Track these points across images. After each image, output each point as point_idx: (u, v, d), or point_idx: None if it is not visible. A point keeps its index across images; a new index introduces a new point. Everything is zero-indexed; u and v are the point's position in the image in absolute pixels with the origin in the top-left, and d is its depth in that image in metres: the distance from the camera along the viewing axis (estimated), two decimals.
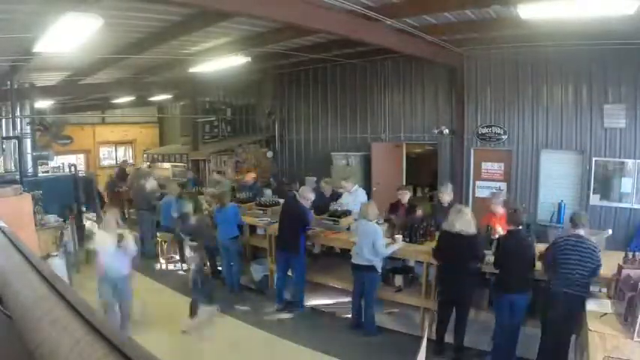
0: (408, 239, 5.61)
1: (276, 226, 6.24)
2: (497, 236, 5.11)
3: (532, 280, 4.41)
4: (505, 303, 4.39)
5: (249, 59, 7.71)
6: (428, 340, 3.18)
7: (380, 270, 5.23)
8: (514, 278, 4.32)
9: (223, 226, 6.64)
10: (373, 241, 5.09)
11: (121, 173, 12.04)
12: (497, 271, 4.57)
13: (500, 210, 5.66)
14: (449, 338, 4.79)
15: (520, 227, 4.53)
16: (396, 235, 5.60)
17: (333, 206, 6.69)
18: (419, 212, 6.26)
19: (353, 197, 6.89)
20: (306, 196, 6.01)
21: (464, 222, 4.54)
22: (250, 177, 8.94)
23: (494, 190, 7.74)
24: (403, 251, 5.54)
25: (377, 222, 5.41)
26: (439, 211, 5.98)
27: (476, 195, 8.68)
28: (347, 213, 6.49)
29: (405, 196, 6.51)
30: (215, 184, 9.34)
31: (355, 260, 5.25)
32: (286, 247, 5.94)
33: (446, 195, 6.18)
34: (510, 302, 4.34)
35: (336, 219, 6.33)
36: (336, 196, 7.21)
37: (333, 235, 6.19)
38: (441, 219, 5.40)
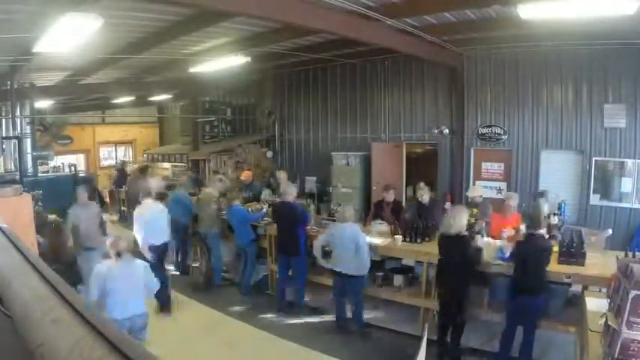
0: (408, 239, 5.62)
1: (276, 226, 6.24)
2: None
3: (547, 283, 4.38)
4: (519, 306, 4.38)
5: (249, 59, 7.70)
6: (428, 340, 3.17)
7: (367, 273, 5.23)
8: (529, 282, 4.29)
9: (239, 229, 6.64)
10: (357, 244, 5.05)
11: (120, 175, 12.08)
12: (510, 274, 4.54)
13: (512, 212, 5.64)
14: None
15: (540, 231, 4.46)
16: (396, 236, 5.62)
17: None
18: (406, 211, 6.43)
19: None
20: (289, 191, 6.03)
21: (456, 224, 4.55)
22: (246, 175, 8.96)
23: (502, 190, 7.82)
24: (403, 251, 5.55)
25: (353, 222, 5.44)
26: (421, 209, 6.29)
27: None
28: None
29: (390, 196, 6.60)
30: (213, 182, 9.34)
31: (340, 269, 5.16)
32: (286, 249, 5.94)
33: (425, 194, 6.40)
34: (524, 305, 4.33)
35: (334, 219, 6.33)
36: None
37: None
38: (426, 216, 5.75)
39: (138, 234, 5.82)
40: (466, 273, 4.57)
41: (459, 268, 4.53)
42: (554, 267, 4.49)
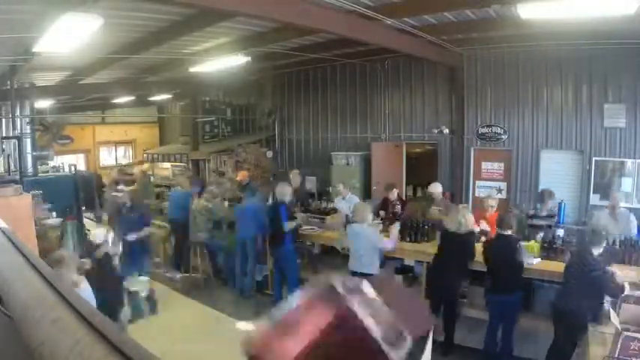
0: (408, 239, 5.62)
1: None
2: (478, 231, 5.23)
3: (522, 281, 4.48)
4: (496, 304, 4.50)
5: (249, 59, 7.70)
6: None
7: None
8: (503, 280, 4.40)
9: (242, 223, 6.58)
10: (374, 244, 5.08)
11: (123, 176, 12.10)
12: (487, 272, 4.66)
13: (491, 211, 5.74)
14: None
15: (509, 231, 4.53)
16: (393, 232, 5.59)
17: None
18: (409, 208, 6.55)
19: (347, 204, 6.86)
20: (282, 191, 6.08)
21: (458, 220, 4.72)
22: (243, 175, 8.95)
23: (489, 191, 7.87)
24: (403, 251, 5.54)
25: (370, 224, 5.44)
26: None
27: (476, 195, 8.69)
28: (334, 210, 6.49)
29: (392, 194, 6.72)
30: (216, 184, 9.34)
31: (355, 268, 5.14)
32: (271, 243, 6.13)
33: (438, 193, 6.51)
34: (501, 303, 4.44)
35: (322, 216, 6.33)
36: None
37: (321, 233, 6.19)
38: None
39: None
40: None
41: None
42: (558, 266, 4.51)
